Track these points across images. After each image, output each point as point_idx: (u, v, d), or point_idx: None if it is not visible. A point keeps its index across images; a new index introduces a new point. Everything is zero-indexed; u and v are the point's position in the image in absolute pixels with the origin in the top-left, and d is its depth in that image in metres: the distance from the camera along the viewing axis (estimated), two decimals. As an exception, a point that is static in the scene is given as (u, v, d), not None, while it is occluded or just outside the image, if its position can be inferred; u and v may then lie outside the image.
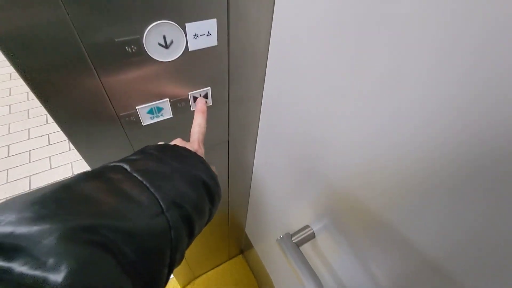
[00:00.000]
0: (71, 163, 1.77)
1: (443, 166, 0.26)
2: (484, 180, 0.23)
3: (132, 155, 0.31)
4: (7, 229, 0.16)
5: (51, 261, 0.16)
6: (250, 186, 0.87)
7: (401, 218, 0.34)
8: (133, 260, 0.20)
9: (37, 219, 0.17)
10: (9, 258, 0.15)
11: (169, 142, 0.38)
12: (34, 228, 0.17)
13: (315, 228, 0.59)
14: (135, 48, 0.35)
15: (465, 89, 0.22)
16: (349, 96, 0.35)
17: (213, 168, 0.35)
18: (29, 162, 1.76)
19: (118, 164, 0.28)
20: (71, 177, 0.24)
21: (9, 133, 1.90)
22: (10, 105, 2.08)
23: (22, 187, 1.64)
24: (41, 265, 0.15)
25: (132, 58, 0.35)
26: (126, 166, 0.27)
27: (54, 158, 1.79)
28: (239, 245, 1.37)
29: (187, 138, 0.40)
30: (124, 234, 0.20)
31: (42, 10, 0.27)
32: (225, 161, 0.68)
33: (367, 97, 0.32)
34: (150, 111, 0.43)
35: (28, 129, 1.93)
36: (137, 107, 0.42)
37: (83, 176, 0.24)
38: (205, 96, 0.48)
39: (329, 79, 0.37)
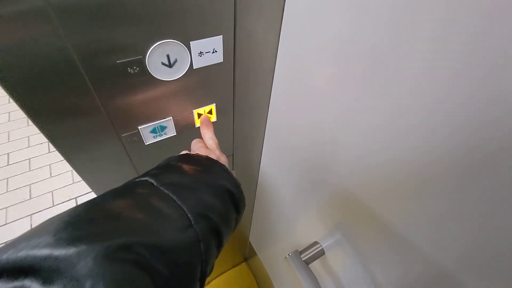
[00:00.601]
0: (71, 170, 1.75)
1: (466, 176, 0.24)
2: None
3: (155, 168, 0.31)
4: (45, 251, 0.17)
5: (89, 282, 0.16)
6: (255, 196, 0.85)
7: (418, 232, 0.32)
8: (167, 277, 0.20)
9: (73, 240, 0.18)
10: (49, 281, 0.16)
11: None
12: (71, 250, 0.17)
13: (324, 244, 0.57)
14: (137, 69, 0.33)
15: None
16: (357, 106, 0.33)
17: (233, 173, 0.35)
18: (29, 170, 1.74)
19: (144, 179, 0.28)
20: (102, 195, 0.25)
21: (8, 141, 1.89)
22: (9, 112, 2.06)
23: (22, 196, 1.62)
24: (79, 287, 0.16)
25: (134, 79, 0.34)
26: (152, 180, 0.27)
27: (54, 165, 1.78)
28: (243, 253, 1.35)
29: None
30: (156, 251, 0.20)
31: (39, 33, 0.25)
32: (230, 174, 0.66)
33: (375, 106, 0.30)
34: (153, 130, 0.42)
35: (28, 136, 1.92)
36: (139, 127, 0.40)
37: (113, 193, 0.25)
38: (210, 112, 0.46)
39: (336, 92, 0.36)
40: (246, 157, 0.64)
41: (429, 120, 0.25)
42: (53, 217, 0.20)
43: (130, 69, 0.32)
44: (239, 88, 0.45)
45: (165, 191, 0.26)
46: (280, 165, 0.63)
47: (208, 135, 0.41)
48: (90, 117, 0.34)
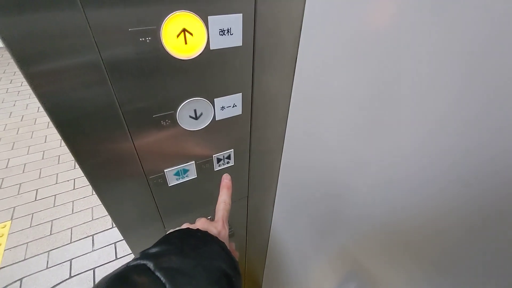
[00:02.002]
0: (92, 207, 1.81)
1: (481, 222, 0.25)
2: None
3: (155, 245, 0.32)
4: None
5: None
6: (268, 243, 0.85)
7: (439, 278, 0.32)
8: None
9: None
10: None
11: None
12: None
13: (338, 294, 0.55)
14: (169, 121, 0.39)
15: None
16: (373, 149, 0.36)
17: (233, 245, 0.35)
18: (53, 206, 1.82)
19: (141, 262, 0.28)
20: (99, 282, 0.25)
21: (39, 177, 2.01)
22: (44, 151, 2.23)
23: (43, 232, 1.68)
24: None
25: (166, 130, 0.39)
26: (150, 265, 0.28)
27: (77, 202, 1.85)
28: (255, 303, 1.28)
29: (209, 196, 0.42)
30: None
31: (93, 86, 0.32)
32: (244, 216, 0.68)
33: (392, 147, 0.33)
34: (177, 173, 0.46)
35: (57, 174, 2.04)
36: (165, 170, 0.45)
37: (110, 281, 0.25)
38: (228, 157, 0.50)
39: (344, 141, 0.39)
40: (260, 200, 0.67)
41: (437, 175, 0.28)
42: None
43: (163, 122, 0.38)
44: (255, 136, 0.50)
45: (161, 278, 0.26)
46: (293, 210, 0.65)
47: (222, 198, 0.44)
48: (125, 161, 0.40)
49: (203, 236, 0.34)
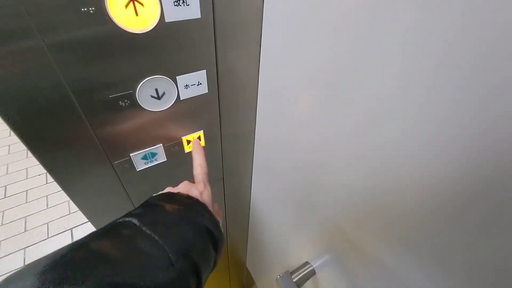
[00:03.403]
0: (68, 201, 1.75)
1: (444, 201, 0.26)
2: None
3: (138, 208, 0.32)
4: None
5: None
6: (249, 222, 0.86)
7: (398, 254, 0.34)
8: None
9: (60, 282, 0.19)
10: None
11: (173, 185, 0.40)
12: None
13: (315, 264, 0.57)
14: (128, 102, 0.36)
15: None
16: (335, 132, 0.36)
17: (216, 206, 0.36)
18: (26, 202, 1.74)
19: (127, 219, 0.29)
20: (86, 236, 0.25)
21: (7, 173, 1.90)
22: (9, 145, 2.09)
23: (17, 229, 1.60)
24: None
25: (126, 110, 0.37)
26: (135, 221, 0.28)
27: (51, 196, 1.77)
28: (241, 281, 1.32)
29: (183, 179, 0.41)
30: None
31: (36, 69, 0.29)
32: (221, 198, 0.68)
33: (358, 127, 0.33)
34: (144, 157, 0.45)
35: (26, 168, 1.93)
36: (131, 155, 0.43)
37: (98, 234, 0.26)
38: (198, 139, 0.49)
39: (314, 117, 0.39)
40: (236, 181, 0.67)
41: (413, 149, 0.28)
42: (38, 260, 0.21)
43: (121, 102, 0.36)
44: (225, 116, 0.49)
45: (148, 231, 0.27)
46: (270, 189, 0.65)
47: (198, 162, 0.43)
48: (84, 147, 0.37)
49: (185, 197, 0.35)
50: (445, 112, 0.22)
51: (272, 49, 0.41)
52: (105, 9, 0.28)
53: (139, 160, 0.44)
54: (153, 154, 0.45)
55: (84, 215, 0.46)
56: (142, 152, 0.44)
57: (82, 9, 0.27)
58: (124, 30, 0.31)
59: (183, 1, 0.32)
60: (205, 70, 0.40)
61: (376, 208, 0.35)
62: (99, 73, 0.32)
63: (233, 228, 0.83)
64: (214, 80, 0.42)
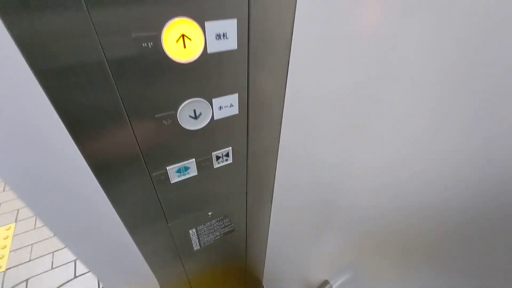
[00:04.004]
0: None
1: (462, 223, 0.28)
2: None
3: None
4: None
5: None
6: (268, 237, 0.87)
7: (421, 273, 0.34)
8: None
9: None
10: None
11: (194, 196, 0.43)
12: None
13: (334, 284, 0.58)
14: (170, 121, 0.41)
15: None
16: (362, 151, 0.38)
17: None
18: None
19: None
20: None
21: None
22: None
23: (47, 233, 1.70)
24: None
25: (167, 128, 0.42)
26: None
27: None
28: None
29: (209, 193, 0.44)
30: None
31: (98, 86, 0.34)
32: (243, 212, 0.71)
33: (384, 147, 0.35)
34: (178, 170, 0.49)
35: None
36: (167, 168, 0.47)
37: None
38: (227, 155, 0.53)
39: (337, 138, 0.42)
40: (259, 195, 0.69)
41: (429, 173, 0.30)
42: None
43: (165, 121, 0.41)
44: (252, 134, 0.53)
45: None
46: (290, 205, 0.67)
47: None
48: (129, 158, 0.42)
49: None
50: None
51: (298, 74, 0.45)
52: (161, 44, 0.33)
53: (173, 173, 0.49)
54: (186, 168, 0.50)
55: (121, 219, 0.51)
56: (177, 166, 0.48)
57: (143, 44, 0.33)
58: (173, 60, 0.36)
59: (224, 35, 0.37)
60: (237, 93, 0.45)
61: (398, 230, 0.37)
62: (150, 95, 0.37)
63: (251, 243, 0.85)
64: (245, 102, 0.47)
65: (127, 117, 0.38)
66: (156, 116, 0.40)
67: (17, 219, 1.79)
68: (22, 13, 0.26)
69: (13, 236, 1.70)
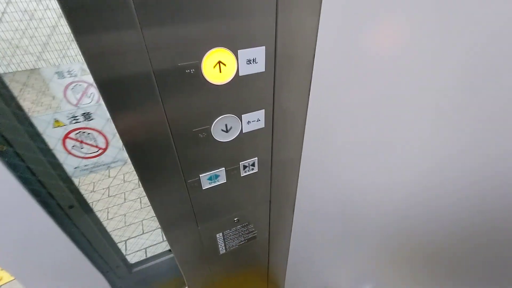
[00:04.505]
0: (125, 214, 1.96)
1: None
2: None
3: None
4: None
5: None
6: (289, 245, 0.90)
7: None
8: None
9: None
10: None
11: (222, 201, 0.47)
12: None
13: (355, 292, 0.59)
14: (205, 134, 0.47)
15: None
16: (382, 167, 0.42)
17: None
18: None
19: None
20: None
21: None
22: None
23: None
24: None
25: (202, 141, 0.48)
26: None
27: (111, 209, 2.01)
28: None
29: (236, 199, 0.49)
30: None
31: (146, 98, 0.41)
32: (267, 219, 0.75)
33: (403, 162, 0.38)
34: (210, 178, 0.54)
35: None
36: (200, 175, 0.53)
37: None
38: (253, 165, 0.58)
39: (360, 145, 0.45)
40: (281, 204, 0.73)
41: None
42: None
43: (200, 135, 0.47)
44: (276, 146, 0.57)
45: None
46: (312, 214, 0.70)
47: None
48: (169, 167, 0.48)
49: None
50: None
51: (319, 92, 0.50)
52: (201, 70, 0.40)
53: (205, 180, 0.54)
54: (216, 176, 0.55)
55: (159, 220, 0.57)
56: (209, 174, 0.54)
57: (186, 71, 0.39)
58: (210, 83, 0.42)
59: (253, 60, 0.43)
60: (264, 109, 0.50)
61: (422, 243, 0.39)
62: (189, 111, 0.44)
63: (274, 249, 0.88)
64: (270, 117, 0.52)
65: (169, 131, 0.44)
66: (193, 130, 0.46)
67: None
68: (89, 33, 0.32)
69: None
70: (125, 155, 0.89)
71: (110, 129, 0.78)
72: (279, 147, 0.58)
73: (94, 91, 0.73)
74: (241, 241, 0.76)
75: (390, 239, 0.43)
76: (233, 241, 0.74)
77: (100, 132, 0.77)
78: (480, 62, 0.25)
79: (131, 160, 0.46)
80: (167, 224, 0.58)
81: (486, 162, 0.26)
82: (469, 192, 0.27)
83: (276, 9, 0.40)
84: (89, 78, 0.72)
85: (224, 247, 0.74)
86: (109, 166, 0.85)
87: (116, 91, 0.37)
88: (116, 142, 0.80)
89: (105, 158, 0.82)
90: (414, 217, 0.37)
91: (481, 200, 0.26)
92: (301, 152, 0.62)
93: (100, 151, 0.79)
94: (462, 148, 0.28)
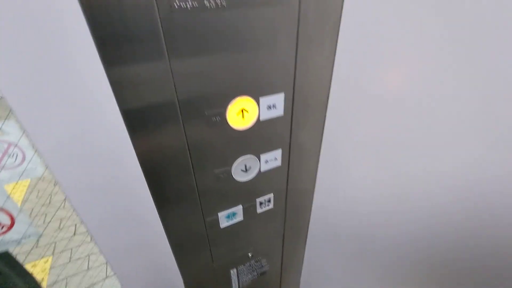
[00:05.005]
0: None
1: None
2: None
3: None
4: None
5: None
6: (300, 279, 0.89)
7: None
8: None
9: None
10: None
11: (238, 238, 0.48)
12: None
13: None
14: (225, 174, 0.48)
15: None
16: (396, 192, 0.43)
17: None
18: (90, 241, 1.94)
19: None
20: None
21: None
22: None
23: (81, 266, 1.77)
24: None
25: (222, 181, 0.49)
26: None
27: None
28: None
29: (251, 236, 0.48)
30: None
31: (171, 135, 0.42)
32: (280, 253, 0.74)
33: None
34: (228, 216, 0.55)
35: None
36: (219, 213, 0.54)
37: None
38: (269, 201, 0.59)
39: (372, 178, 0.46)
40: (294, 238, 0.73)
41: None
42: None
43: (221, 175, 0.48)
44: (291, 182, 0.59)
45: None
46: (323, 251, 0.70)
47: None
48: (190, 205, 0.49)
49: None
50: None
51: (333, 128, 0.52)
52: (225, 117, 0.42)
53: (223, 218, 0.55)
54: (234, 214, 0.56)
55: (174, 256, 0.56)
56: (227, 212, 0.54)
57: (213, 119, 0.41)
58: (233, 128, 0.44)
59: (273, 106, 0.45)
60: (281, 149, 0.52)
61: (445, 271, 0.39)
62: (212, 154, 0.45)
63: (285, 283, 0.87)
64: (286, 156, 0.53)
65: (192, 172, 0.45)
66: (215, 171, 0.47)
67: (54, 252, 1.89)
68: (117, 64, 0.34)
69: (50, 269, 1.79)
70: (39, 230, 0.87)
71: (13, 204, 0.72)
72: (294, 183, 0.59)
73: (17, 151, 0.69)
74: (254, 276, 0.74)
75: (408, 273, 0.43)
76: (247, 276, 0.72)
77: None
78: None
79: (153, 198, 0.46)
80: (183, 261, 0.58)
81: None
82: (504, 216, 0.29)
83: (295, 59, 0.42)
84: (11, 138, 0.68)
85: (237, 284, 0.72)
86: (19, 242, 0.79)
87: (146, 137, 0.39)
88: (25, 217, 0.75)
89: (13, 234, 0.76)
90: (440, 246, 0.37)
91: None
92: (315, 187, 0.63)
93: (4, 228, 0.75)
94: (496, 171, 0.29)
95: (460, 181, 0.36)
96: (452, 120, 0.34)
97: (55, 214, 2.18)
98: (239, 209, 0.55)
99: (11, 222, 0.74)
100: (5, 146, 0.69)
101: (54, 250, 1.91)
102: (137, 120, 0.37)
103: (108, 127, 0.36)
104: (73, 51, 0.30)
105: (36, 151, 0.71)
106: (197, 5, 0.32)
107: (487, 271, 0.35)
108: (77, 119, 0.34)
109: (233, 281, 0.71)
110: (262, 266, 0.73)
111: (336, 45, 0.43)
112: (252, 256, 0.68)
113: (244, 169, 0.50)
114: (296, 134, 0.52)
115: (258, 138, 0.47)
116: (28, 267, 1.77)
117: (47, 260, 1.85)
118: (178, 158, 0.43)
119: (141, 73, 0.34)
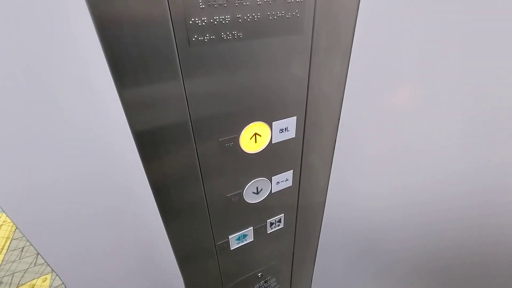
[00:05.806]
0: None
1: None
2: None
3: None
4: None
5: None
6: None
7: None
8: None
9: None
10: None
11: (248, 259, 0.47)
12: None
13: None
14: (237, 198, 0.48)
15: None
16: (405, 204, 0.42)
17: None
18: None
19: None
20: None
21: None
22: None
23: (81, 284, 1.73)
24: None
25: (234, 204, 0.48)
26: None
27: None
28: None
29: (262, 256, 0.48)
30: None
31: (186, 174, 0.42)
32: (289, 272, 0.73)
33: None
34: (238, 238, 0.54)
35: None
36: (229, 236, 0.53)
37: None
38: (279, 221, 0.58)
39: (382, 195, 0.46)
40: (303, 257, 0.72)
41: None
42: None
43: (233, 199, 0.48)
44: (301, 202, 0.58)
45: None
46: (333, 267, 0.69)
47: None
48: (201, 229, 0.48)
49: None
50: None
51: (342, 151, 0.52)
52: (239, 143, 0.42)
53: (234, 240, 0.54)
54: (245, 236, 0.55)
55: (184, 280, 0.55)
56: (237, 234, 0.53)
57: (226, 144, 0.41)
58: (246, 152, 0.44)
59: (285, 129, 0.45)
60: (292, 170, 0.51)
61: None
62: (225, 178, 0.45)
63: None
64: (297, 177, 0.53)
65: (204, 196, 0.45)
66: (227, 195, 0.47)
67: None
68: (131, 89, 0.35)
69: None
70: None
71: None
72: (304, 201, 0.59)
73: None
74: (263, 296, 0.73)
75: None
76: (256, 297, 0.71)
77: None
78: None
79: (164, 222, 0.46)
80: (192, 284, 0.57)
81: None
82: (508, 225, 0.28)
83: (308, 84, 0.43)
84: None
85: (246, 305, 0.71)
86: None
87: (159, 165, 0.39)
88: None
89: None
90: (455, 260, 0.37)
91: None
92: (324, 205, 0.63)
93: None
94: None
95: (465, 191, 0.36)
96: (458, 134, 0.34)
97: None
98: (249, 230, 0.55)
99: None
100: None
101: None
102: (150, 147, 0.37)
103: (120, 158, 0.36)
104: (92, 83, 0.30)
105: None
106: (214, 37, 0.32)
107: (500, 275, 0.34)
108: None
109: (242, 302, 0.69)
110: (271, 286, 0.72)
111: (347, 68, 0.44)
112: (261, 275, 0.67)
113: (255, 192, 0.50)
114: (307, 154, 0.52)
115: (270, 160, 0.47)
116: None
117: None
118: (191, 183, 0.43)
119: (157, 97, 0.34)
